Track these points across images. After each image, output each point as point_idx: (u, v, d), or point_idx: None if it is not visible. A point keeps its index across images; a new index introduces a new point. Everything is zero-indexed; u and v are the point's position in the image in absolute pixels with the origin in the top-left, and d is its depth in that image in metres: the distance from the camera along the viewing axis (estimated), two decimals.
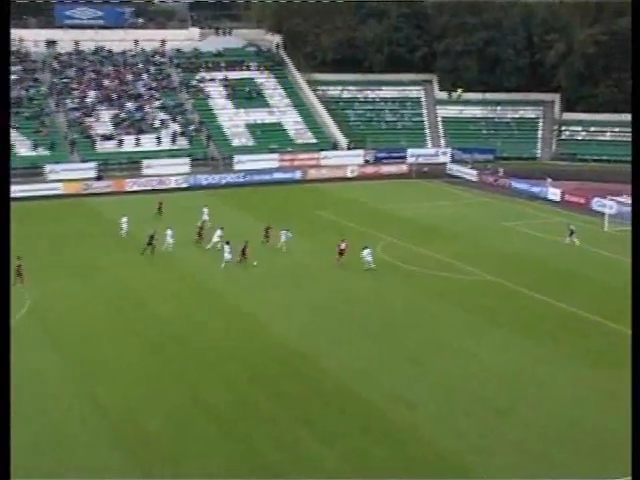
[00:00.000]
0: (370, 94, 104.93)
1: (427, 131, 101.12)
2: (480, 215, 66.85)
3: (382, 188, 79.68)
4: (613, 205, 65.19)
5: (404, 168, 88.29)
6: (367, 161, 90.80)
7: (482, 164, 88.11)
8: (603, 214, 63.44)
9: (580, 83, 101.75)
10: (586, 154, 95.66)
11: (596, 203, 68.78)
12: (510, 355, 35.67)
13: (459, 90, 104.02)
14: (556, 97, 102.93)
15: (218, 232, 53.28)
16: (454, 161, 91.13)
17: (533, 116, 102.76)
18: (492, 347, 36.56)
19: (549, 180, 77.63)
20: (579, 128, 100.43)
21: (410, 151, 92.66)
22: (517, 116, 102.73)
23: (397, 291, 45.10)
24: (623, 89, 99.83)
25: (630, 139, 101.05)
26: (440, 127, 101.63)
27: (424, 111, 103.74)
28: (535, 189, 76.44)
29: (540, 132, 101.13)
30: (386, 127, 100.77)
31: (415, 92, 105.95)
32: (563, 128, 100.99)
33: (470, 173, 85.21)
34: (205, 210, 59.27)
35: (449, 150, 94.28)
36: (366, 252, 48.99)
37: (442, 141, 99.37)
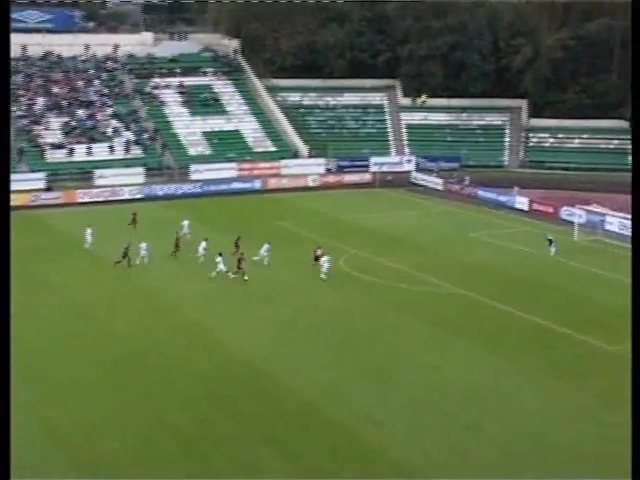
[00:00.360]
0: (331, 101, 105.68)
1: (391, 139, 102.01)
2: (445, 225, 67.62)
3: (345, 198, 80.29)
4: (582, 214, 66.24)
5: (367, 177, 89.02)
6: (329, 170, 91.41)
7: (447, 172, 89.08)
8: (572, 223, 64.47)
9: (547, 88, 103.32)
10: (554, 162, 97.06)
11: (565, 212, 69.86)
12: (474, 368, 36.24)
13: (423, 96, 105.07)
14: (523, 103, 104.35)
15: (203, 244, 53.84)
16: (419, 169, 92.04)
17: (499, 123, 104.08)
18: (456, 360, 37.12)
19: (516, 189, 78.67)
20: (547, 135, 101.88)
21: (373, 159, 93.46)
22: (483, 123, 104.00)
23: (360, 304, 45.57)
24: (591, 94, 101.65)
25: (599, 146, 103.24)
26: (404, 134, 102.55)
27: (387, 118, 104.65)
28: (502, 198, 77.47)
29: (507, 139, 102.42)
30: (348, 135, 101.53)
31: (378, 98, 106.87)
32: (530, 135, 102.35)
33: (435, 182, 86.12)
34: (185, 222, 60.07)
35: (413, 158, 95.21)
36: (324, 260, 50.21)
37: (406, 149, 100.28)
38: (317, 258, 51.74)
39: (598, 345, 39.02)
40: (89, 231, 57.36)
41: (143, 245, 53.30)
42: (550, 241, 57.47)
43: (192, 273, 51.15)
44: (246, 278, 49.41)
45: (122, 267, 51.98)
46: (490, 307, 45.14)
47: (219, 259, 49.95)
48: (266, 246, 53.42)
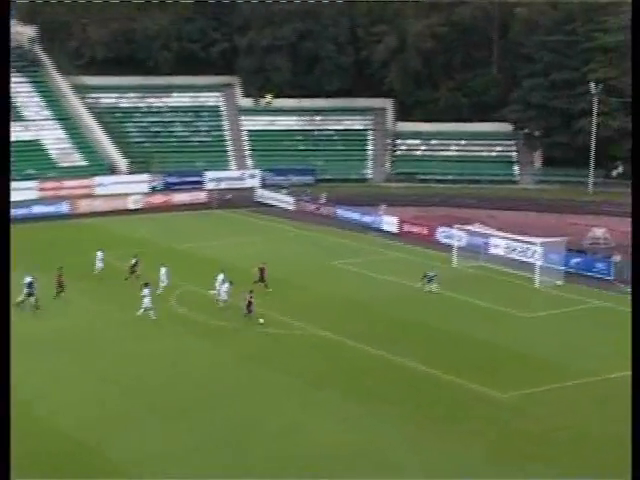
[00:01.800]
0: (155, 102, 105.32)
1: (229, 148, 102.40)
2: (300, 253, 68.22)
3: (175, 222, 80.00)
4: (462, 236, 67.81)
5: (202, 196, 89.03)
6: (154, 188, 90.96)
7: (300, 189, 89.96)
8: (451, 247, 66.09)
9: (416, 85, 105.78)
10: (427, 173, 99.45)
11: (442, 234, 71.54)
12: (341, 425, 36.39)
13: (268, 96, 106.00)
14: (388, 103, 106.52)
15: (162, 270, 55.27)
16: (265, 186, 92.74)
17: (361, 127, 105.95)
18: (319, 416, 37.35)
19: (383, 207, 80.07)
20: (417, 141, 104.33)
21: (209, 174, 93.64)
22: (341, 127, 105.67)
23: (199, 352, 45.47)
24: (468, 92, 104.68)
25: (480, 154, 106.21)
26: (246, 143, 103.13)
27: (225, 123, 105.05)
28: (367, 218, 78.84)
29: (370, 147, 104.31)
30: (177, 144, 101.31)
31: (213, 99, 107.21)
32: (398, 142, 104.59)
33: (285, 200, 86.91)
34: (99, 254, 59.97)
35: (258, 172, 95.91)
36: (224, 288, 51.27)
37: (249, 161, 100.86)
38: (262, 275, 55.09)
39: (484, 392, 40.00)
40: None
41: (27, 280, 52.02)
42: (429, 278, 56.90)
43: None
44: (262, 321, 49.44)
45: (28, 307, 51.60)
46: (357, 351, 45.74)
47: (146, 291, 49.95)
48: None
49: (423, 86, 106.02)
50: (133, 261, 58.76)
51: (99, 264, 60.12)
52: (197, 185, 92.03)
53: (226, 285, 52.66)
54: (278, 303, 53.80)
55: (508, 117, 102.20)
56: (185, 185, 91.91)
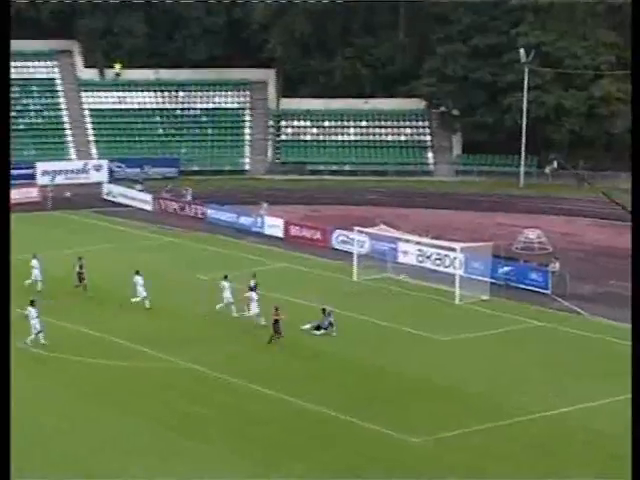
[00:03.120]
0: None
1: (67, 132, 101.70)
2: (159, 264, 67.65)
3: None
4: (364, 240, 68.43)
5: (33, 193, 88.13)
6: None
7: (160, 183, 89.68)
8: (350, 254, 66.65)
9: (305, 54, 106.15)
10: (319, 163, 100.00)
11: (338, 238, 72.08)
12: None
13: (117, 66, 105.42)
14: (270, 75, 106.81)
15: (139, 280, 57.43)
16: (114, 180, 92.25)
17: (236, 105, 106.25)
18: (186, 470, 37.31)
19: (265, 205, 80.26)
20: (307, 123, 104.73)
21: (41, 166, 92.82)
22: (211, 106, 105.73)
23: (39, 395, 44.80)
24: (369, 62, 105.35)
25: (385, 137, 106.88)
26: (89, 126, 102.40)
27: (61, 100, 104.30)
28: (244, 220, 79.07)
29: (248, 130, 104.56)
30: None
31: (45, 70, 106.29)
32: (283, 123, 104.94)
33: (141, 198, 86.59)
34: (35, 262, 61.03)
35: (105, 163, 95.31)
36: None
37: (93, 148, 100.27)
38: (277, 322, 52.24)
39: (391, 435, 40.23)
40: None
41: None
42: (325, 326, 53.79)
43: None
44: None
45: None
46: (237, 388, 45.72)
47: (33, 311, 50.30)
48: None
49: (313, 54, 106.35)
50: (79, 265, 59.80)
51: (36, 273, 60.74)
52: (26, 180, 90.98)
53: (254, 293, 54.60)
54: (135, 328, 53.59)
55: (420, 92, 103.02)
56: (11, 180, 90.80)
